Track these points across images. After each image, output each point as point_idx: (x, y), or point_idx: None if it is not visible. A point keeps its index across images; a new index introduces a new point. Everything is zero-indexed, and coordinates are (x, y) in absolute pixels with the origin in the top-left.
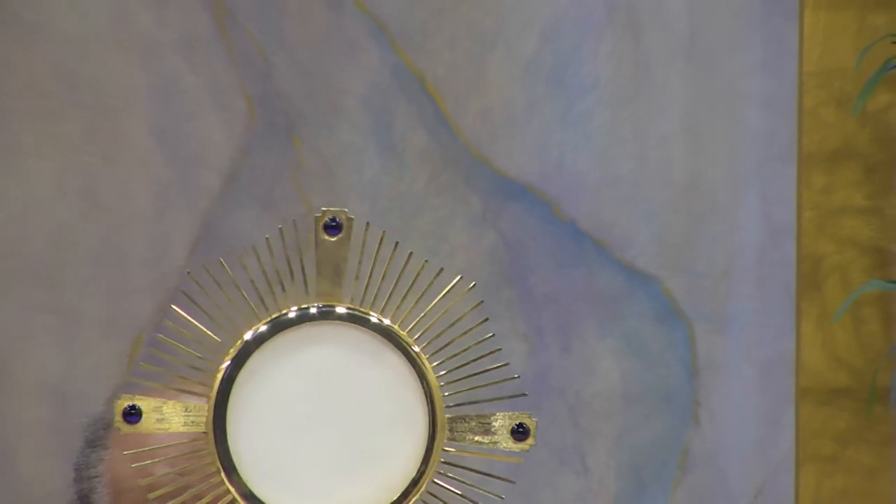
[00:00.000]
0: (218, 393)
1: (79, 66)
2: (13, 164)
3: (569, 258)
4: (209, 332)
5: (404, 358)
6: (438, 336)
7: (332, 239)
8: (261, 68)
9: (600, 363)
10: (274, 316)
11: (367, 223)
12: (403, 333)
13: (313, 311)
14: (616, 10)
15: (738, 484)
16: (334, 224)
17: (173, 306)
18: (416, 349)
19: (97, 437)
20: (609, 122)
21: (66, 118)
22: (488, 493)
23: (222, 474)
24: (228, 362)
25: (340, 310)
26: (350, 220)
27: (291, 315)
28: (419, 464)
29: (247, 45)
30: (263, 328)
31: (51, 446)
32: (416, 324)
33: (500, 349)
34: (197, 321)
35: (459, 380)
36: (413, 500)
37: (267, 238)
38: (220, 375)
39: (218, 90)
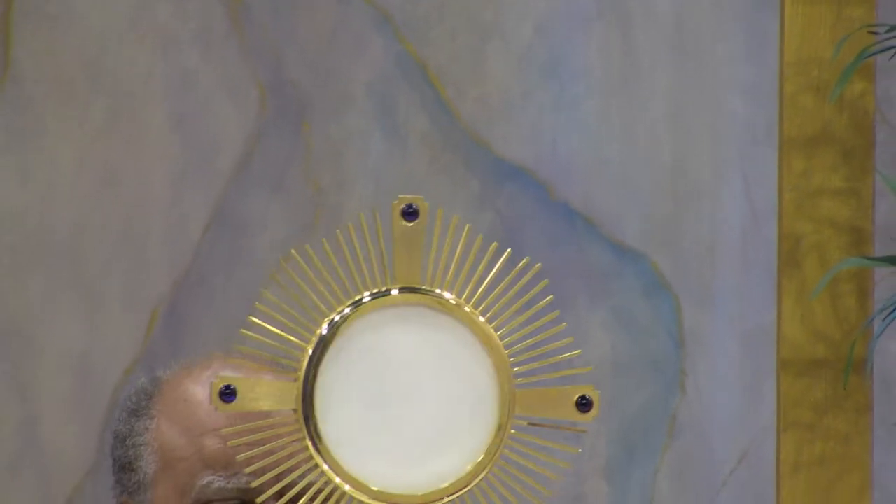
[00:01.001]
0: (306, 372)
1: (100, 56)
2: (38, 148)
3: (562, 236)
4: (297, 315)
5: (476, 336)
6: (507, 314)
7: (409, 224)
8: (272, 58)
9: (591, 334)
10: (357, 298)
11: (440, 209)
12: (475, 312)
13: (393, 292)
14: (605, 5)
15: (722, 450)
16: (411, 210)
17: (264, 291)
18: (488, 327)
19: (140, 406)
20: (599, 109)
21: (88, 105)
22: (555, 461)
23: (311, 450)
24: (315, 343)
25: (417, 291)
26: (425, 206)
27: (373, 297)
28: (492, 436)
29: (259, 37)
30: (347, 310)
31: (73, 415)
32: (486, 303)
33: (564, 325)
34: (285, 304)
35: (527, 355)
36: (487, 470)
37: (349, 225)
38: (307, 355)
39: (231, 79)
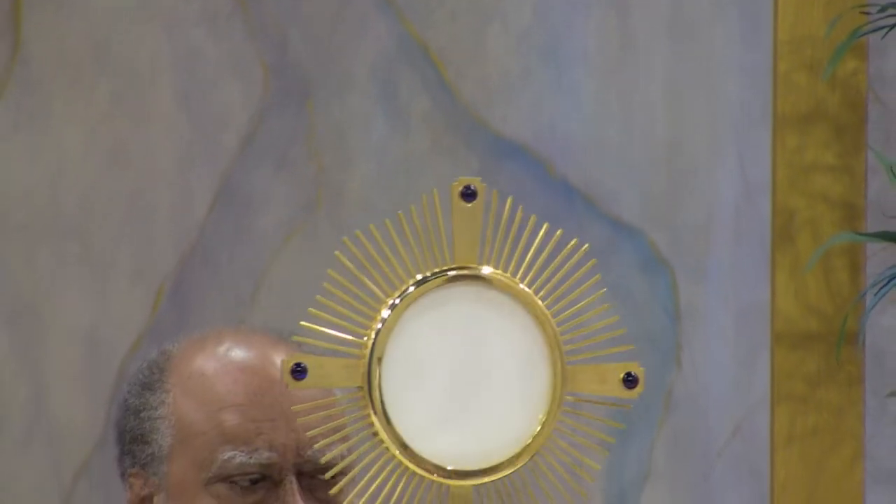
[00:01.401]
0: (372, 349)
1: (107, 37)
2: (48, 127)
3: (561, 213)
4: (361, 293)
5: (530, 314)
6: (558, 293)
7: (468, 205)
8: (277, 39)
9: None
10: (419, 277)
11: (495, 192)
12: (529, 290)
13: (453, 272)
14: None
15: (717, 422)
16: (469, 191)
17: (329, 271)
18: (541, 305)
19: (153, 380)
20: (597, 89)
21: (97, 85)
22: (602, 436)
23: (377, 426)
24: (380, 321)
25: (476, 271)
26: (482, 187)
27: (434, 276)
28: (545, 412)
29: (264, 18)
30: (410, 288)
31: (82, 388)
32: (539, 282)
33: (608, 305)
34: (352, 283)
35: (576, 333)
36: (540, 446)
37: (412, 207)
38: (373, 333)
39: (237, 59)
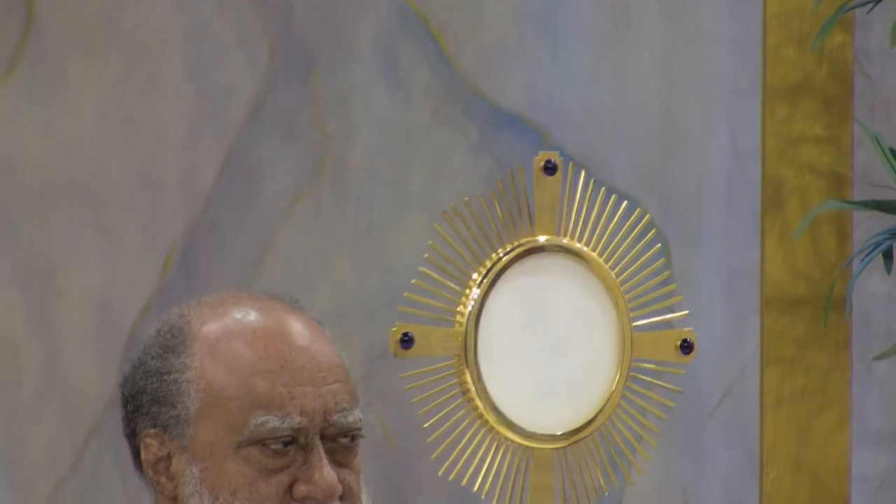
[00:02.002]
0: (468, 320)
1: (118, 10)
2: (61, 99)
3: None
4: (458, 263)
5: (603, 283)
6: (625, 262)
7: (549, 178)
8: (282, 13)
9: None
10: (508, 249)
11: (571, 163)
12: (601, 260)
13: (537, 243)
14: None
15: (708, 384)
16: (551, 165)
17: (430, 243)
18: (612, 275)
19: (176, 343)
20: (592, 60)
21: (108, 58)
22: (661, 400)
23: (473, 391)
24: (474, 292)
25: (557, 241)
26: (561, 160)
27: (521, 247)
28: (616, 377)
29: None
30: (500, 260)
31: (93, 351)
32: (608, 252)
33: (669, 273)
34: (448, 256)
35: (640, 301)
36: (612, 406)
37: (499, 180)
38: (468, 304)
39: (243, 33)
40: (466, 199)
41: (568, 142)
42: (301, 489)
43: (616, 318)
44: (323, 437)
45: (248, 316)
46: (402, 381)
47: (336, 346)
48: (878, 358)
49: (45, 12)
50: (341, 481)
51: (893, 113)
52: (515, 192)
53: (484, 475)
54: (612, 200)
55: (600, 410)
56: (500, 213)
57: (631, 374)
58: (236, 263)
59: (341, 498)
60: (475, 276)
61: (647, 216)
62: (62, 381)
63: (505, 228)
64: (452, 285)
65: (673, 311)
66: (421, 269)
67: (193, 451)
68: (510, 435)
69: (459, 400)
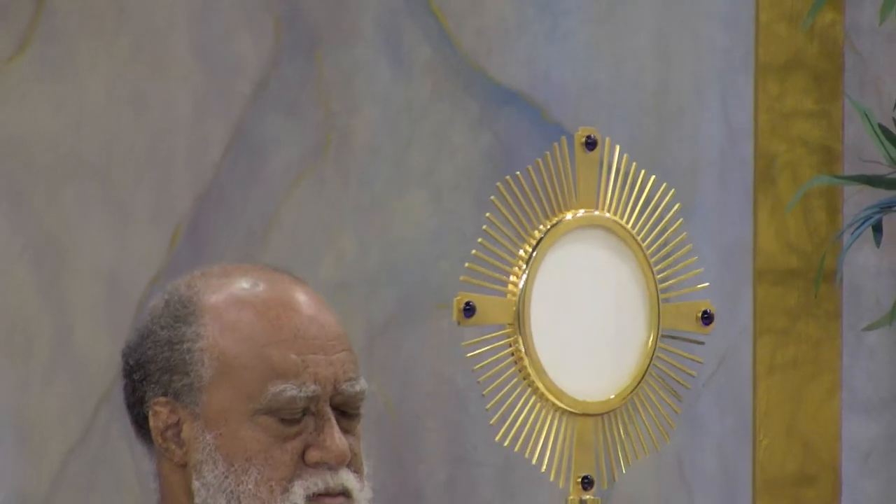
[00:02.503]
0: (521, 290)
1: None
2: (72, 76)
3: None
4: (510, 234)
5: (636, 257)
6: (653, 236)
7: (589, 153)
8: None
9: None
10: (556, 221)
11: (607, 139)
12: (636, 235)
13: (579, 217)
14: None
15: (703, 353)
16: (591, 140)
17: (488, 215)
18: (643, 249)
19: (186, 312)
20: (589, 38)
21: (118, 36)
22: (685, 369)
23: (525, 360)
24: (525, 264)
25: (598, 216)
26: (600, 136)
27: (565, 221)
28: (646, 347)
29: None
30: (547, 233)
31: (103, 323)
32: (639, 225)
33: (690, 247)
34: (505, 229)
35: (665, 273)
36: (643, 379)
37: (546, 153)
38: (520, 275)
39: (250, 11)
40: (518, 172)
41: (566, 117)
42: (314, 455)
43: (647, 289)
44: (331, 405)
45: (256, 286)
46: (403, 351)
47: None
48: (868, 328)
49: None
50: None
51: (883, 89)
52: (561, 166)
53: (534, 441)
54: (641, 175)
55: (636, 379)
56: (545, 188)
57: (660, 344)
58: (242, 237)
59: (348, 464)
60: (526, 247)
61: (672, 191)
62: (73, 352)
63: (550, 201)
64: (507, 256)
65: (694, 285)
66: (480, 240)
67: (207, 418)
68: (558, 402)
69: (512, 368)
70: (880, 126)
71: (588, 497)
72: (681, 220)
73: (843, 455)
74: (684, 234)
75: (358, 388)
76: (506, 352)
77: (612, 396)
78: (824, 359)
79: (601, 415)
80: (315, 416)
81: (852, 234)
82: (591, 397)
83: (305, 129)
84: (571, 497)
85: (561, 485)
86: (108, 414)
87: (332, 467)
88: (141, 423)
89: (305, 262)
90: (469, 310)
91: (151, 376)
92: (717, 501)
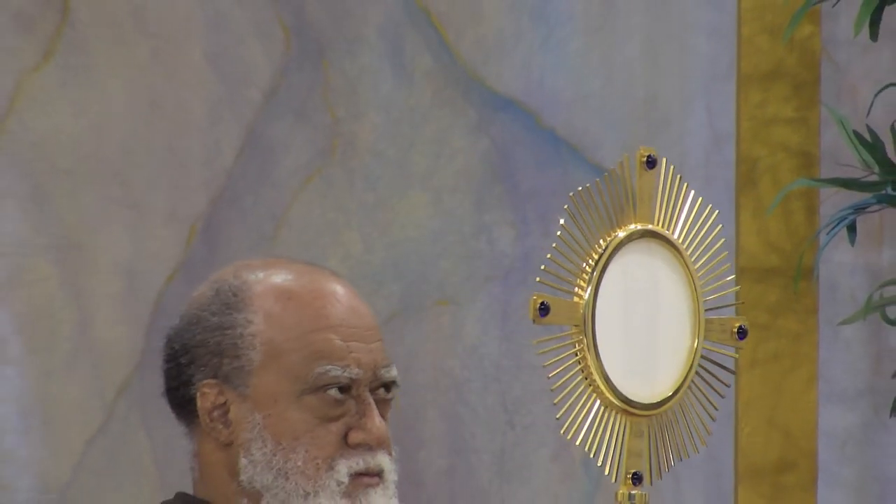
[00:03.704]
0: (588, 295)
1: (146, 3)
2: (92, 82)
3: (548, 159)
4: (580, 242)
5: (685, 271)
6: (699, 252)
7: (650, 171)
8: (296, 3)
9: None
10: (620, 235)
11: (664, 159)
12: (686, 250)
13: (640, 230)
14: None
15: None
16: (651, 160)
17: (562, 222)
18: (692, 263)
19: (235, 300)
20: (581, 48)
21: (136, 44)
22: (719, 380)
23: (589, 360)
24: (592, 271)
25: (657, 230)
26: (658, 156)
27: (629, 234)
28: (690, 355)
29: None
30: (612, 244)
31: (122, 316)
32: (688, 241)
33: (729, 265)
34: (576, 236)
35: (708, 289)
36: (688, 382)
37: (611, 170)
38: (587, 280)
39: (260, 21)
40: (585, 186)
41: (559, 123)
42: (356, 436)
43: (692, 302)
44: (370, 390)
45: (299, 278)
46: (405, 345)
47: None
48: (844, 323)
49: (78, 5)
50: None
51: (858, 97)
52: (623, 183)
53: (593, 437)
54: (692, 194)
55: (680, 383)
56: (609, 201)
57: (701, 354)
58: (254, 235)
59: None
60: (593, 255)
61: (717, 212)
62: (93, 344)
63: (613, 215)
64: (575, 261)
65: (734, 301)
66: (554, 245)
67: (256, 399)
68: (615, 401)
69: (576, 368)
70: (855, 132)
71: (636, 492)
72: (723, 239)
73: (821, 443)
74: (725, 252)
75: (393, 373)
76: (571, 351)
77: (662, 398)
78: (803, 352)
79: (652, 415)
80: (356, 400)
81: (829, 233)
82: (644, 398)
83: (313, 134)
84: (622, 491)
85: (613, 479)
86: (126, 404)
87: (372, 448)
88: (183, 405)
89: (313, 260)
90: (544, 309)
91: (199, 359)
92: (702, 487)
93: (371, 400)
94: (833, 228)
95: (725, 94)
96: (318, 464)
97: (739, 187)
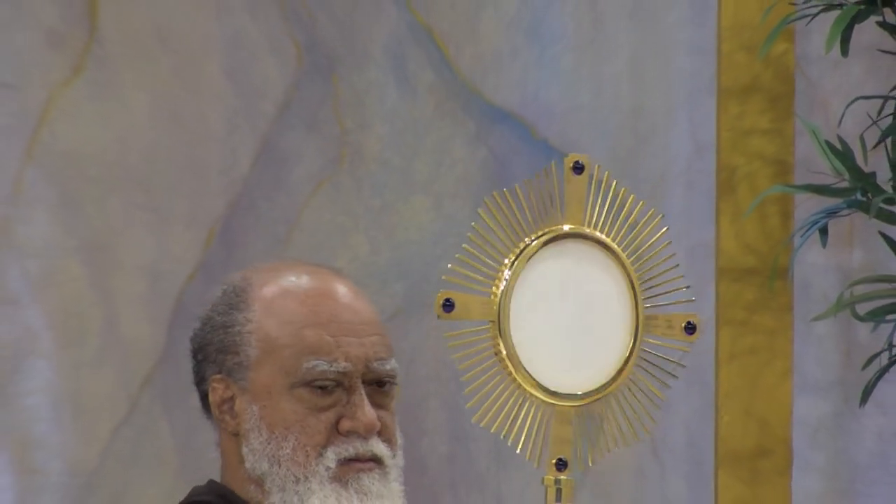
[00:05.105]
0: (502, 291)
1: (168, 20)
2: (117, 96)
3: (542, 167)
4: (496, 243)
5: (620, 269)
6: (640, 252)
7: (578, 177)
8: (307, 22)
9: None
10: (538, 234)
11: (597, 166)
12: (618, 248)
13: (565, 229)
14: None
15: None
16: (579, 166)
17: (473, 224)
18: (628, 262)
19: (238, 300)
20: (573, 64)
21: (158, 60)
22: (670, 373)
23: (503, 353)
24: (508, 269)
25: (582, 230)
26: (588, 162)
27: (550, 233)
28: (627, 350)
29: (297, 4)
30: (533, 243)
31: (146, 314)
32: (626, 242)
33: (678, 265)
34: (490, 237)
35: (651, 286)
36: (625, 374)
37: (536, 174)
38: (503, 277)
39: (274, 39)
40: (505, 189)
41: (552, 134)
42: (346, 424)
43: (630, 299)
44: (364, 382)
45: (300, 278)
46: (409, 340)
47: (374, 306)
48: (817, 319)
49: (105, 23)
50: (379, 420)
51: (829, 109)
52: (549, 187)
53: (510, 425)
54: (631, 198)
55: (613, 378)
56: (534, 204)
57: (643, 349)
58: (268, 238)
59: (379, 434)
60: (510, 255)
61: (661, 215)
62: (119, 340)
63: (538, 217)
64: (489, 261)
65: (680, 298)
66: (464, 246)
67: (253, 392)
68: (535, 392)
69: (493, 359)
70: (827, 142)
71: (562, 477)
72: (669, 241)
73: (795, 431)
74: (674, 253)
75: (388, 367)
76: (485, 345)
77: (588, 391)
78: (778, 346)
79: (580, 405)
80: (348, 390)
81: (802, 236)
82: (567, 390)
83: (323, 144)
84: (547, 477)
85: (536, 466)
86: (150, 395)
87: (363, 436)
88: (204, 399)
89: (323, 261)
90: (448, 305)
91: (210, 357)
92: (685, 472)
93: (362, 391)
94: (806, 231)
95: (706, 106)
96: (307, 451)
97: (719, 193)
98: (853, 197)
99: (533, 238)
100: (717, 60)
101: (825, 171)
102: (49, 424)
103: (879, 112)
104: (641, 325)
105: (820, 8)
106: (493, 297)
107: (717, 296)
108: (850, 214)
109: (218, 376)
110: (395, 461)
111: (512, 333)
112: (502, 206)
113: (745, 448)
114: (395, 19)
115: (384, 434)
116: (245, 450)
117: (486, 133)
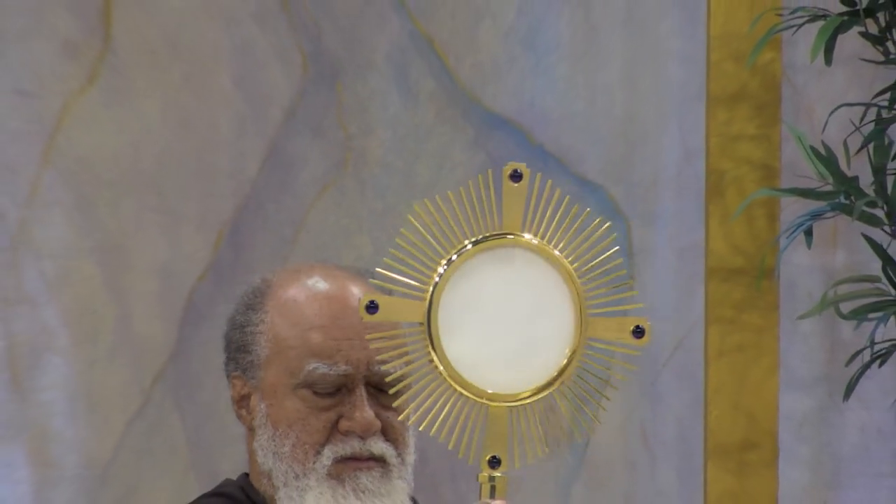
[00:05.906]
0: (432, 294)
1: (179, 30)
2: (130, 102)
3: (537, 172)
4: (427, 249)
5: (560, 273)
6: (586, 258)
7: (515, 184)
8: (313, 32)
9: None
10: (473, 239)
11: (539, 174)
12: (561, 254)
13: (501, 236)
14: None
15: (662, 339)
16: (517, 174)
17: (403, 230)
18: (569, 266)
19: (255, 301)
20: (567, 73)
21: (170, 69)
22: (616, 374)
23: (433, 354)
24: (440, 272)
25: (519, 236)
26: (527, 171)
27: (486, 238)
28: (569, 353)
29: (303, 15)
30: (467, 247)
31: (158, 312)
32: (570, 248)
33: (624, 271)
34: (421, 241)
35: (597, 291)
36: (566, 376)
37: (470, 182)
38: (434, 281)
39: (281, 48)
40: (437, 196)
41: (548, 140)
42: (344, 424)
43: (571, 302)
44: (368, 384)
45: (314, 281)
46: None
47: None
48: (802, 317)
49: (119, 33)
50: (384, 420)
51: (814, 116)
52: (486, 193)
53: (441, 423)
54: (575, 207)
55: (550, 379)
56: (469, 211)
57: (587, 351)
58: (276, 239)
59: (384, 434)
60: (443, 259)
61: (608, 224)
62: (132, 337)
63: (475, 224)
64: (419, 265)
65: (630, 303)
66: (391, 250)
67: (263, 390)
68: (464, 391)
69: (423, 359)
70: (812, 148)
71: (496, 474)
72: (617, 247)
73: (781, 424)
74: (619, 259)
75: (394, 375)
76: (415, 346)
77: (522, 391)
78: (765, 344)
79: (514, 405)
80: (349, 391)
81: (788, 237)
82: (501, 390)
83: (328, 148)
84: (482, 475)
85: (470, 462)
86: (162, 391)
87: (362, 436)
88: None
89: (328, 261)
90: (372, 307)
91: (231, 354)
92: (675, 464)
93: (362, 392)
94: (792, 233)
95: (696, 113)
96: (306, 449)
97: (708, 197)
98: (837, 200)
99: (467, 242)
100: (707, 69)
101: (810, 175)
102: (65, 418)
103: (862, 118)
104: (584, 329)
105: (805, 18)
106: (423, 300)
107: (707, 295)
108: (833, 217)
109: (236, 374)
110: (400, 460)
111: (441, 336)
112: (434, 213)
113: (734, 441)
114: (398, 29)
115: (390, 434)
116: (255, 445)
117: (484, 138)
